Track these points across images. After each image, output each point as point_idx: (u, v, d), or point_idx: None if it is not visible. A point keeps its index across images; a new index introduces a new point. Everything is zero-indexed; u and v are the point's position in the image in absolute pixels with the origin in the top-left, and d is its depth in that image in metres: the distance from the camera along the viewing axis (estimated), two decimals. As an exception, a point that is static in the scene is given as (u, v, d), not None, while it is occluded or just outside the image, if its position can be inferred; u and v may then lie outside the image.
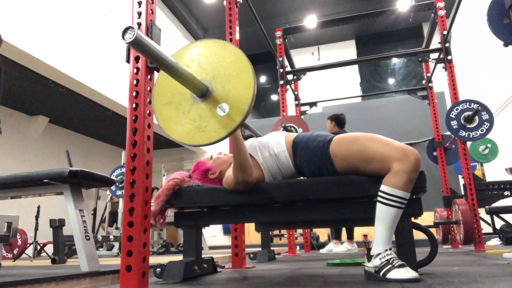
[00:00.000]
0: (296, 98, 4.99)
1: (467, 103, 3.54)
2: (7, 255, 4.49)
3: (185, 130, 1.19)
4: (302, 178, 1.64)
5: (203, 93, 1.18)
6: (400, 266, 1.25)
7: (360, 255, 3.19)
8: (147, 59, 1.21)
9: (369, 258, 1.34)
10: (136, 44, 1.00)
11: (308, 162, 1.51)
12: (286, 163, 1.56)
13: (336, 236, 4.32)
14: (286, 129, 3.32)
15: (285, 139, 1.59)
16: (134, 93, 1.43)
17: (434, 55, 4.09)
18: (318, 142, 1.50)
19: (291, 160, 1.56)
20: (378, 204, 1.33)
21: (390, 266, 1.26)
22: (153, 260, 2.55)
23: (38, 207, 4.21)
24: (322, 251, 4.35)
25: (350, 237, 4.28)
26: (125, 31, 0.99)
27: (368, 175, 1.41)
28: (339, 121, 4.16)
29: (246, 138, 2.13)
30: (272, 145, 1.57)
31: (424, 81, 4.84)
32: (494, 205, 3.63)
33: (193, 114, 1.19)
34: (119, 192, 4.91)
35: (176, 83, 1.18)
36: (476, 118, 3.50)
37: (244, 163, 1.42)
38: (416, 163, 1.31)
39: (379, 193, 1.33)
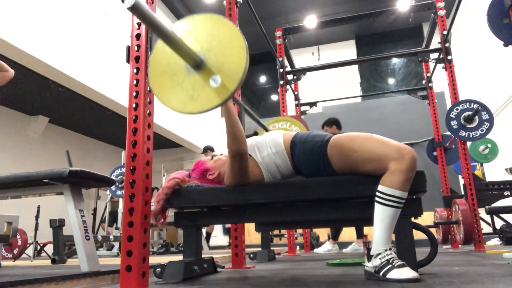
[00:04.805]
0: (296, 98, 4.99)
1: (467, 103, 3.54)
2: (7, 255, 4.49)
3: (178, 99, 1.23)
4: (300, 177, 1.64)
5: (197, 64, 1.22)
6: (400, 266, 1.25)
7: (355, 256, 3.18)
8: (144, 25, 1.24)
9: (369, 258, 1.34)
10: (135, 9, 1.02)
11: (306, 162, 1.51)
12: (284, 163, 1.56)
13: (334, 236, 4.32)
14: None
15: (284, 138, 1.58)
16: (134, 93, 1.43)
17: (434, 55, 4.09)
18: (316, 142, 1.50)
19: (289, 159, 1.55)
20: (376, 204, 1.33)
21: (390, 266, 1.26)
22: (153, 260, 2.55)
23: (38, 207, 4.21)
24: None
25: (360, 236, 4.28)
26: None
27: (367, 175, 1.41)
28: (338, 123, 4.21)
29: (247, 136, 2.13)
30: (270, 144, 1.57)
31: (424, 81, 4.84)
32: (494, 205, 3.63)
33: (186, 84, 1.23)
34: (119, 192, 4.91)
35: (172, 53, 1.23)
36: (476, 118, 3.50)
37: (237, 132, 1.45)
38: (412, 162, 1.31)
39: (377, 193, 1.33)
